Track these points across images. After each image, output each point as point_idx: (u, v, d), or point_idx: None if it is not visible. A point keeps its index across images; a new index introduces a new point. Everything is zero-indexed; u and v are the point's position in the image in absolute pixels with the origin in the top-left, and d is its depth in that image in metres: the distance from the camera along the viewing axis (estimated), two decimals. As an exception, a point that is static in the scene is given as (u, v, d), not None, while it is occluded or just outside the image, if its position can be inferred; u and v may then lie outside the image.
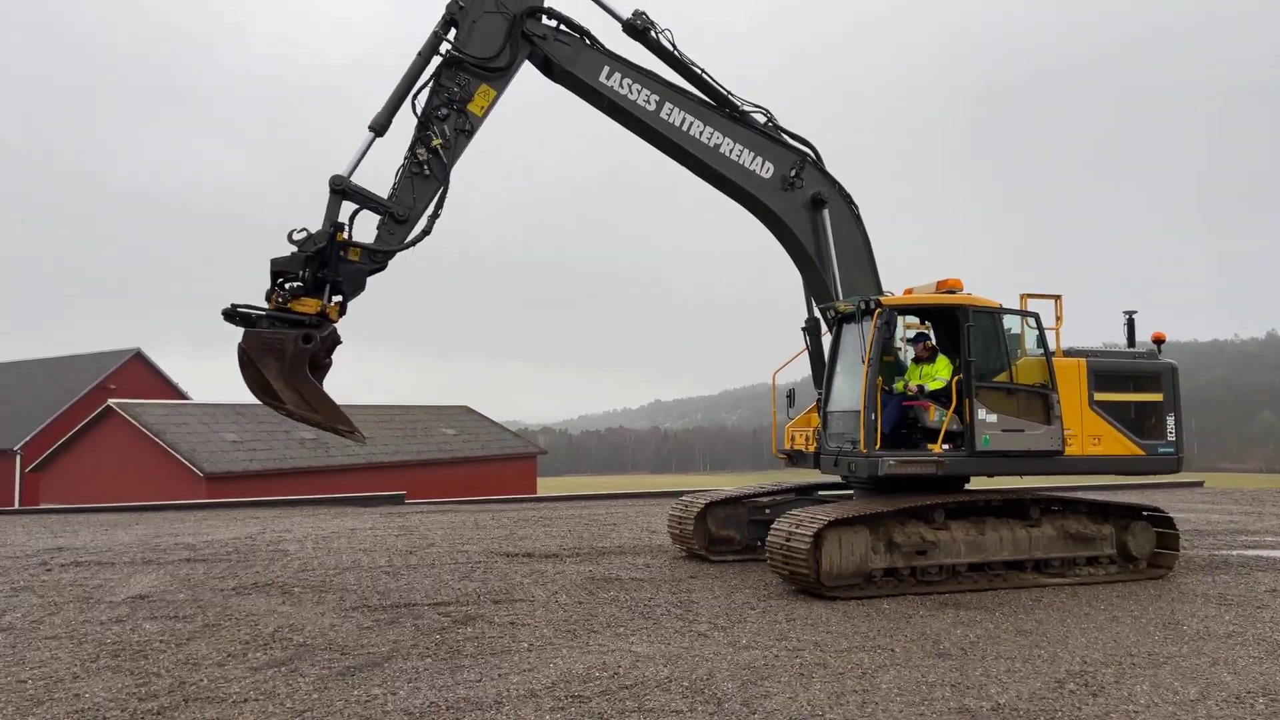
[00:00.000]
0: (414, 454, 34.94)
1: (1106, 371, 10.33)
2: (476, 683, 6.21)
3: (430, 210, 9.73)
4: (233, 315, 9.09)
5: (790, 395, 11.51)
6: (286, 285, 9.17)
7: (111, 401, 31.44)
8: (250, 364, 9.02)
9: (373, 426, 36.07)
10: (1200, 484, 25.39)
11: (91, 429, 31.52)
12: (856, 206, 11.42)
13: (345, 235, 9.32)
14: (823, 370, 10.95)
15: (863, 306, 9.92)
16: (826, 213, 11.11)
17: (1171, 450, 10.42)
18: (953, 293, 10.12)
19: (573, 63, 10.42)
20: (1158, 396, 10.48)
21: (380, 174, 9.86)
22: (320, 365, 9.56)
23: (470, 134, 10.09)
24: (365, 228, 9.60)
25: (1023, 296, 10.14)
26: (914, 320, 10.96)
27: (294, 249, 9.12)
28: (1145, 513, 10.43)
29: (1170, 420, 10.42)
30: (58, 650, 7.05)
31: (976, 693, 6.07)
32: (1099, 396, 10.17)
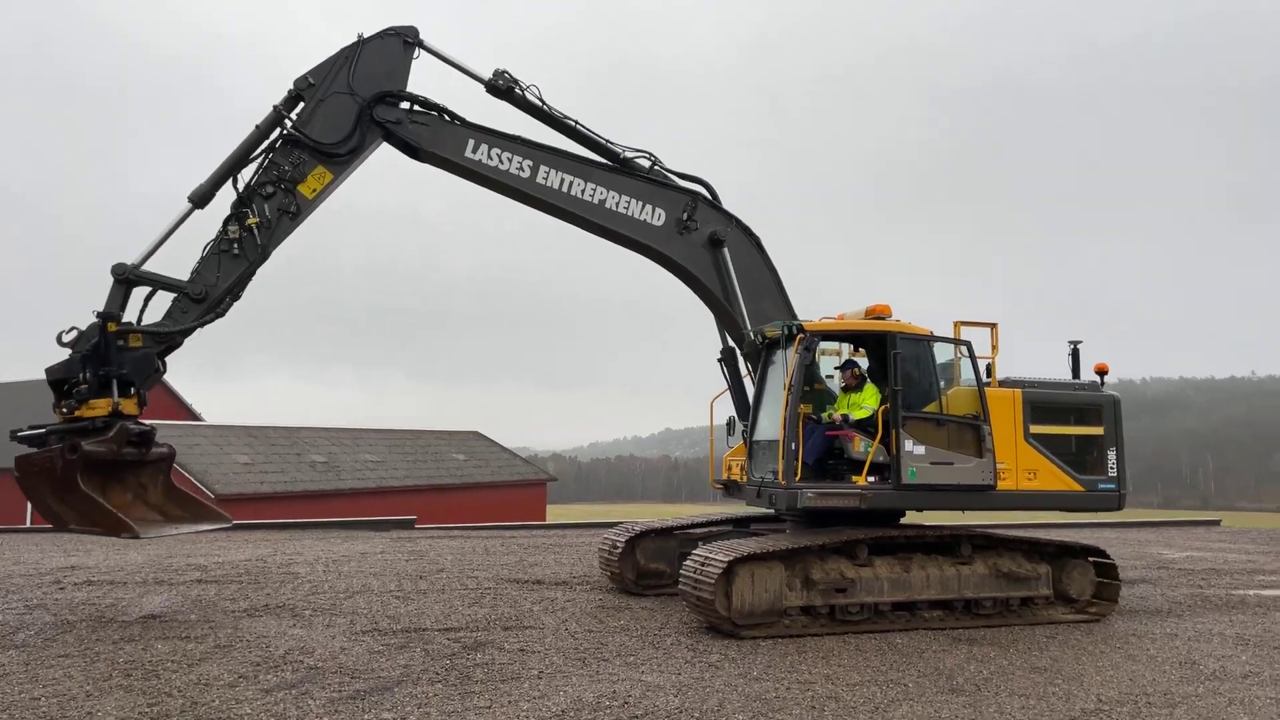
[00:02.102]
0: (424, 479, 34.96)
1: (1043, 403, 9.92)
2: (487, 709, 6.20)
3: (232, 289, 9.42)
4: (21, 441, 8.76)
5: (730, 424, 11.17)
6: (73, 392, 8.75)
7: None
8: (30, 489, 8.56)
9: (383, 451, 36.18)
10: (1217, 522, 25.10)
11: (106, 449, 31.68)
12: (757, 238, 11.13)
13: (119, 324, 8.93)
14: (744, 401, 10.75)
15: (785, 332, 9.68)
16: (726, 251, 10.78)
17: (1113, 486, 9.93)
18: (881, 319, 9.82)
19: (434, 143, 10.14)
20: (1099, 430, 10.02)
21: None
22: (145, 460, 9.16)
23: (296, 216, 9.75)
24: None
25: (956, 324, 9.89)
26: (851, 347, 10.67)
27: (69, 351, 8.79)
28: (1087, 554, 9.97)
29: (1112, 455, 9.99)
30: (70, 668, 7.07)
31: (990, 729, 6.01)
32: (1035, 429, 9.77)
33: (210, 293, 9.36)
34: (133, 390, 8.98)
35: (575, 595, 10.81)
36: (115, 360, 8.85)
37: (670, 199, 10.82)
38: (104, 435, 8.64)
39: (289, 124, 9.76)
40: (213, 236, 9.50)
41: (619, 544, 10.93)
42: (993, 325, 10.06)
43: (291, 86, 9.84)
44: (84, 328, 8.86)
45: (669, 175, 11.04)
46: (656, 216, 10.70)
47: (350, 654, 7.66)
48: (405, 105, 10.17)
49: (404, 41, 10.27)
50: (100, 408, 8.73)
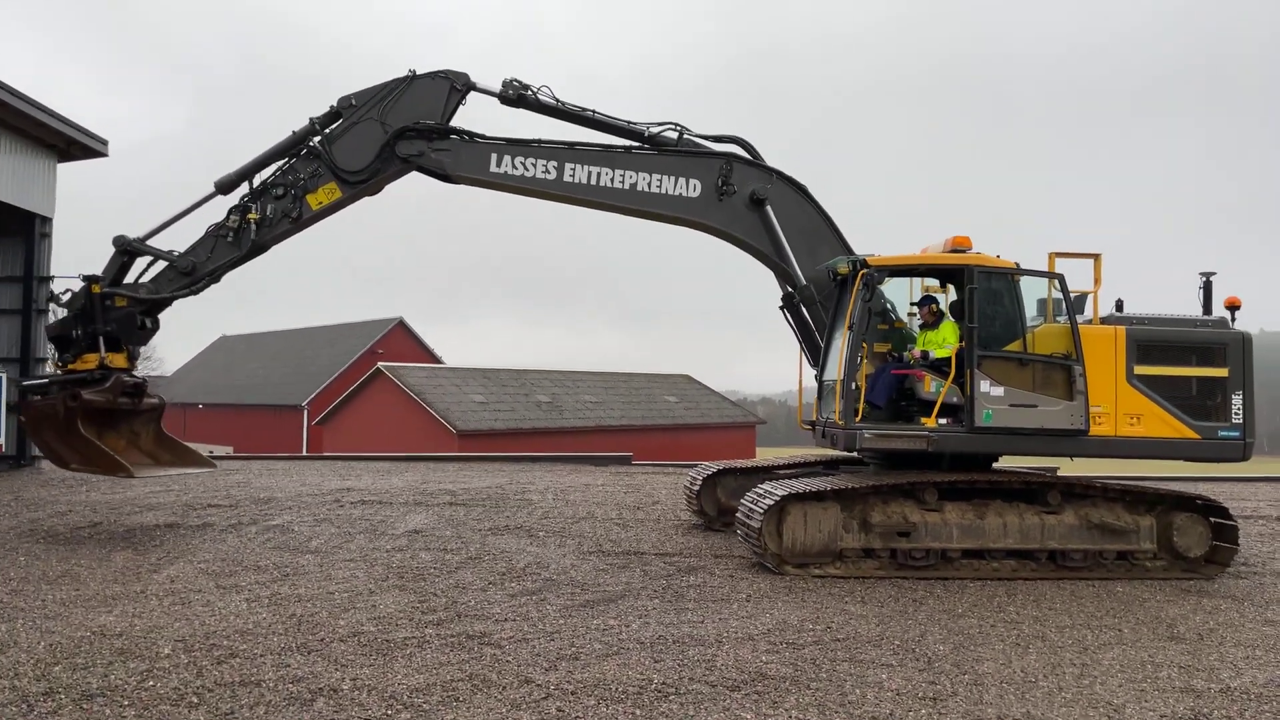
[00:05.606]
0: (639, 419, 36.59)
1: (1152, 341, 9.05)
2: (700, 623, 6.84)
3: (214, 272, 10.21)
4: (28, 393, 9.89)
5: None
6: (70, 346, 9.93)
7: (381, 365, 35.45)
8: (36, 432, 9.63)
9: (601, 392, 38.15)
10: None
11: (364, 388, 35.73)
12: (802, 186, 10.59)
13: (102, 287, 9.89)
14: (815, 346, 10.48)
15: (853, 268, 9.27)
16: (769, 207, 10.42)
17: (1237, 434, 8.93)
18: (960, 251, 9.15)
19: (457, 166, 10.37)
20: (1222, 371, 9.00)
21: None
22: (138, 410, 10.06)
23: (297, 222, 10.26)
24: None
25: (1051, 255, 9.04)
26: (934, 283, 10.16)
27: (64, 311, 9.84)
28: (1199, 502, 9.04)
29: (1237, 400, 8.95)
30: (355, 570, 8.45)
31: (1206, 675, 5.90)
32: (1141, 370, 8.93)
33: (197, 269, 10.33)
34: (122, 346, 10.23)
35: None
36: (101, 318, 10.04)
37: (704, 166, 10.58)
38: (102, 386, 9.87)
39: (318, 138, 10.45)
40: (217, 220, 10.45)
41: (697, 481, 11.31)
42: (1095, 256, 9.17)
43: (335, 103, 10.48)
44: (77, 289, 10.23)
45: (699, 142, 10.83)
46: (692, 188, 10.51)
47: (579, 570, 8.60)
48: (422, 141, 10.41)
49: (452, 86, 10.59)
50: (91, 361, 9.99)
